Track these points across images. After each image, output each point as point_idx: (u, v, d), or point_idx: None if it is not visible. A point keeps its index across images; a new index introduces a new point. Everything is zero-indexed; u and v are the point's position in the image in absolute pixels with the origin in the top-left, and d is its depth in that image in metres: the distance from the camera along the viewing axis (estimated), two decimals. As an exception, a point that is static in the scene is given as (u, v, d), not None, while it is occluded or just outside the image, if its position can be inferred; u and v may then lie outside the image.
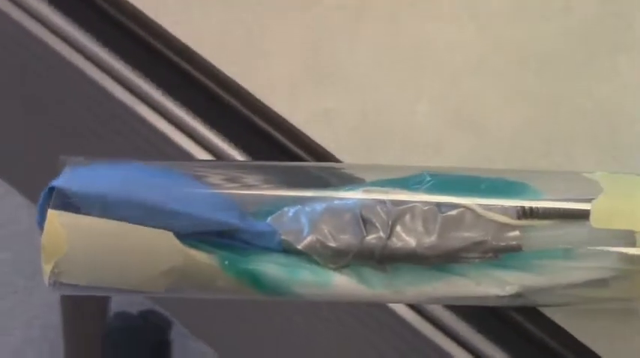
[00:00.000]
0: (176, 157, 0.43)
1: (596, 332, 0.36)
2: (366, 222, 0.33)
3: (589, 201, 0.33)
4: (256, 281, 0.34)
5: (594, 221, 0.32)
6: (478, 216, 0.33)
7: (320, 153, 0.39)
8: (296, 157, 0.40)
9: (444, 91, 0.40)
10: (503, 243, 0.33)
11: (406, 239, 0.33)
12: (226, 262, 0.33)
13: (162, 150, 0.44)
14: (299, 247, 0.33)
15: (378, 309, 0.40)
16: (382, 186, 0.34)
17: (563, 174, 0.35)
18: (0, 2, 0.44)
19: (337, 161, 0.39)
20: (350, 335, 0.44)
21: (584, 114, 0.38)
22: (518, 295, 0.34)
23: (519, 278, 0.33)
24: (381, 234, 0.33)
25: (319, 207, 0.33)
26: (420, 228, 0.33)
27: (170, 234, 0.33)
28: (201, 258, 0.33)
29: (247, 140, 0.41)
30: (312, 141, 0.40)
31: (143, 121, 0.42)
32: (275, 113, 0.40)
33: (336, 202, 0.34)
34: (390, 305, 0.39)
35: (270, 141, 0.40)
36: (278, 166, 0.36)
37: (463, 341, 0.38)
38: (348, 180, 0.35)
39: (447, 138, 0.39)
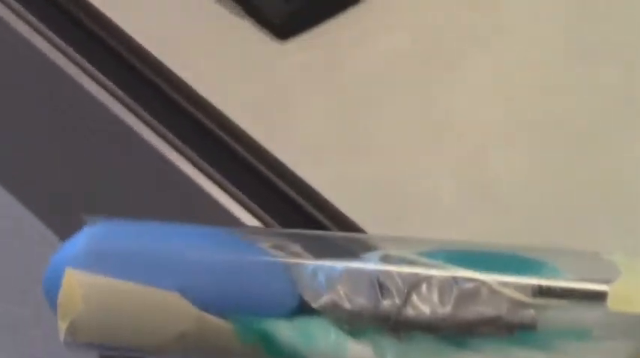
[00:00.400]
0: (193, 215, 0.44)
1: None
2: (382, 288, 0.33)
3: (606, 282, 0.32)
4: (270, 346, 0.34)
5: (612, 303, 0.32)
6: (494, 291, 0.33)
7: (341, 220, 0.39)
8: (317, 222, 0.40)
9: (469, 165, 0.40)
10: (517, 320, 0.32)
11: (421, 308, 0.33)
12: (241, 325, 0.33)
13: (185, 210, 0.44)
14: (314, 306, 0.33)
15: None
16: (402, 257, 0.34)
17: (582, 254, 0.35)
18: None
19: (359, 228, 0.39)
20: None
21: (608, 193, 0.38)
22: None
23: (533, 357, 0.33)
24: (397, 300, 0.33)
25: (338, 267, 0.34)
26: (435, 298, 0.33)
27: (181, 297, 0.33)
28: (214, 321, 0.33)
29: (274, 206, 0.41)
30: (335, 208, 0.40)
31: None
32: (299, 179, 0.41)
33: (355, 265, 0.34)
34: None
35: (293, 207, 0.40)
36: (300, 234, 0.36)
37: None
38: (371, 251, 0.35)
39: (470, 211, 0.39)
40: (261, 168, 0.41)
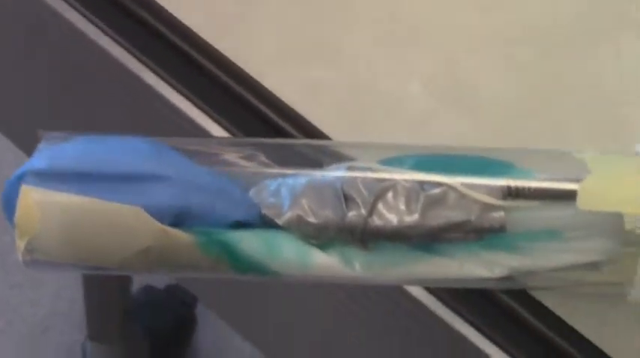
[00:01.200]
0: (162, 128, 0.43)
1: (586, 316, 0.35)
2: (347, 199, 0.32)
3: (576, 181, 0.31)
4: (234, 258, 0.33)
5: (581, 203, 0.31)
6: (462, 195, 0.32)
7: (307, 128, 0.39)
8: (283, 130, 0.39)
9: (439, 70, 0.39)
10: (486, 224, 0.32)
11: (387, 217, 0.32)
12: (203, 238, 0.33)
13: (151, 123, 0.43)
14: (279, 222, 0.32)
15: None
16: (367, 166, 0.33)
17: (551, 153, 0.34)
18: None
19: (325, 135, 0.38)
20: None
21: (579, 93, 0.37)
22: (505, 278, 0.32)
23: (505, 260, 0.32)
24: (362, 211, 0.32)
25: (301, 181, 0.33)
26: (402, 206, 0.32)
27: (143, 211, 0.32)
28: (177, 235, 0.33)
29: (235, 113, 0.40)
30: (300, 116, 0.39)
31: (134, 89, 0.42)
32: (263, 87, 0.39)
33: (318, 177, 0.33)
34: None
35: (257, 115, 0.40)
36: (264, 143, 0.35)
37: (449, 324, 0.37)
38: (336, 159, 0.34)
39: (437, 115, 0.38)
40: (225, 78, 0.40)
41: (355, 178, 0.32)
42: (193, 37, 0.41)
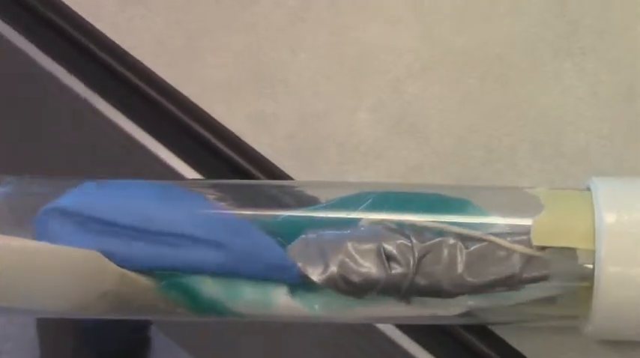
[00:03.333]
0: (115, 159, 0.43)
1: (542, 349, 0.35)
2: (389, 257, 0.32)
3: (530, 217, 0.32)
4: (194, 300, 0.33)
5: (535, 239, 0.32)
6: (504, 248, 0.32)
7: (257, 159, 0.39)
8: (232, 162, 0.39)
9: (386, 98, 0.39)
10: (529, 275, 0.32)
11: (433, 275, 0.32)
12: (163, 281, 0.33)
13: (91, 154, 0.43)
14: (318, 281, 0.32)
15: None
16: (335, 205, 0.33)
17: (504, 190, 0.34)
18: None
19: (277, 168, 0.38)
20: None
21: (526, 122, 0.38)
22: (464, 314, 0.33)
23: (462, 300, 0.32)
24: (408, 270, 0.32)
25: (335, 237, 0.32)
26: (446, 263, 0.32)
27: (101, 256, 0.32)
28: (137, 278, 0.33)
29: (184, 145, 0.40)
30: (250, 147, 0.39)
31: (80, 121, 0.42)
32: (212, 117, 0.40)
33: (354, 234, 0.32)
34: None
35: (206, 147, 0.40)
36: (223, 184, 0.35)
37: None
38: (300, 199, 0.34)
39: (388, 145, 0.38)
40: (173, 109, 0.40)
41: (393, 234, 0.32)
42: (138, 65, 0.41)
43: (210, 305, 0.33)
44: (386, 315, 0.33)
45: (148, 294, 0.33)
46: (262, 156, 0.39)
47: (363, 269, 0.32)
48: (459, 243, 0.32)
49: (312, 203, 0.34)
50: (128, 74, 0.41)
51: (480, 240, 0.32)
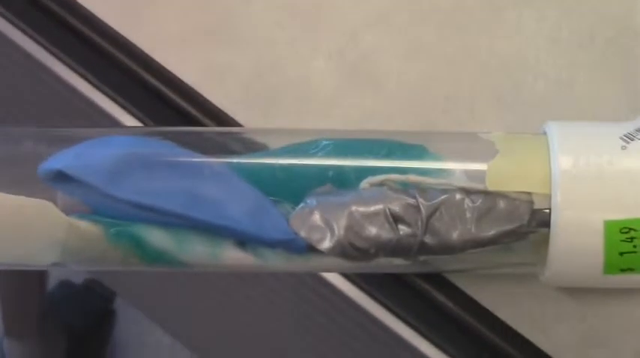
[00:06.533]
0: (58, 111, 0.42)
1: (498, 297, 0.35)
2: (396, 219, 0.31)
3: (485, 162, 0.31)
4: (143, 249, 0.32)
5: (490, 183, 0.31)
6: (511, 199, 0.31)
7: (212, 111, 0.38)
8: (187, 115, 0.38)
9: (343, 47, 0.38)
10: (535, 224, 0.31)
11: (442, 234, 0.31)
12: (112, 230, 0.32)
13: (46, 104, 0.42)
14: (325, 251, 0.31)
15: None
16: (285, 152, 0.33)
17: (460, 136, 0.34)
18: None
19: (232, 119, 0.38)
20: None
21: (485, 70, 0.37)
22: (420, 263, 0.32)
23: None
24: (417, 230, 0.31)
25: (340, 201, 0.31)
26: (454, 221, 0.31)
27: (51, 205, 0.31)
28: (87, 227, 0.32)
29: (137, 96, 0.39)
30: (205, 99, 0.38)
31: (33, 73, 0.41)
32: (165, 69, 0.39)
33: (358, 197, 0.31)
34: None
35: (160, 98, 0.39)
36: (173, 131, 0.35)
37: (367, 310, 0.36)
38: (249, 146, 0.34)
39: (344, 94, 0.37)
40: (128, 62, 0.39)
41: (401, 196, 0.31)
42: (94, 20, 0.40)
43: (158, 255, 0.32)
44: (335, 265, 0.33)
45: (97, 244, 0.32)
46: (217, 108, 0.38)
47: (372, 234, 0.31)
48: (466, 199, 0.31)
49: (262, 150, 0.33)
50: (79, 24, 0.40)
51: (485, 193, 0.31)
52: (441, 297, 0.36)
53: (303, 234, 0.31)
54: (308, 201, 0.31)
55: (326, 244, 0.31)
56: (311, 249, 0.31)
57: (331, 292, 0.37)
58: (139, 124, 0.39)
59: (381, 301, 0.36)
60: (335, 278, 0.37)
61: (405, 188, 0.31)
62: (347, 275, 0.37)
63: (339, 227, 0.31)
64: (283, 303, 0.44)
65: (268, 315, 0.47)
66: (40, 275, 0.89)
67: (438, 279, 0.36)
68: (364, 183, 0.32)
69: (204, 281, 0.51)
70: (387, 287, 0.37)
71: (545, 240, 0.31)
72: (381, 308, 0.36)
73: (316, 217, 0.31)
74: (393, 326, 0.36)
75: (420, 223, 0.31)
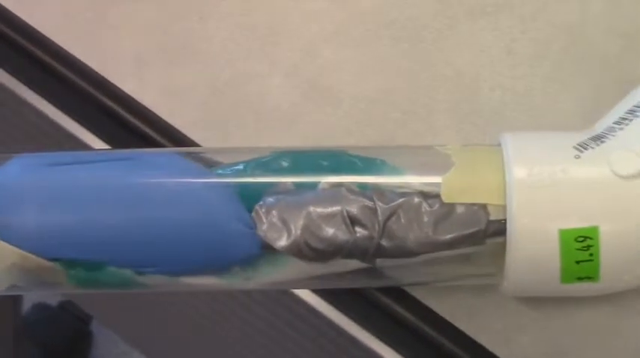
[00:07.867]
0: (25, 134, 0.42)
1: (459, 308, 0.35)
2: (353, 221, 0.31)
3: (440, 175, 0.31)
4: (100, 277, 0.32)
5: (445, 196, 0.31)
6: (469, 205, 0.31)
7: (168, 131, 0.38)
8: (145, 136, 0.38)
9: (299, 62, 0.38)
10: (492, 229, 0.31)
11: (399, 237, 0.31)
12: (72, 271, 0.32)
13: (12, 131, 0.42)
14: (281, 249, 0.31)
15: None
16: (239, 168, 0.33)
17: (416, 149, 0.34)
18: None
19: (189, 139, 0.38)
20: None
21: (442, 83, 0.37)
22: (377, 272, 0.32)
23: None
24: (373, 233, 0.31)
25: (298, 201, 0.31)
26: (411, 224, 0.31)
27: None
28: (38, 261, 0.32)
29: (94, 118, 0.39)
30: (161, 119, 0.38)
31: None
32: (121, 91, 0.39)
33: (316, 197, 0.31)
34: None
35: (118, 121, 0.39)
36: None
37: (330, 322, 0.36)
38: (208, 165, 0.33)
39: (302, 110, 0.37)
40: (83, 84, 0.39)
41: (358, 198, 0.31)
42: (47, 42, 0.40)
43: (117, 281, 0.32)
44: (300, 277, 0.33)
45: (53, 273, 0.32)
46: (174, 129, 0.38)
47: (328, 235, 0.31)
48: (424, 202, 0.31)
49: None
50: (35, 49, 0.40)
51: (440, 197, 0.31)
52: (400, 310, 0.36)
53: (259, 232, 0.31)
54: (267, 200, 0.31)
55: (282, 243, 0.31)
56: (267, 247, 0.31)
57: (295, 302, 0.37)
58: (106, 146, 0.39)
59: (343, 312, 0.36)
60: (301, 291, 0.37)
61: (364, 190, 0.31)
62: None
63: (296, 226, 0.31)
64: (262, 324, 0.44)
65: (246, 333, 0.47)
66: (14, 298, 0.89)
67: (397, 292, 0.36)
68: (323, 183, 0.32)
69: (181, 303, 0.50)
70: (348, 300, 0.37)
71: (503, 250, 0.31)
72: (345, 317, 0.36)
73: (274, 216, 0.31)
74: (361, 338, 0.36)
75: (377, 226, 0.31)
